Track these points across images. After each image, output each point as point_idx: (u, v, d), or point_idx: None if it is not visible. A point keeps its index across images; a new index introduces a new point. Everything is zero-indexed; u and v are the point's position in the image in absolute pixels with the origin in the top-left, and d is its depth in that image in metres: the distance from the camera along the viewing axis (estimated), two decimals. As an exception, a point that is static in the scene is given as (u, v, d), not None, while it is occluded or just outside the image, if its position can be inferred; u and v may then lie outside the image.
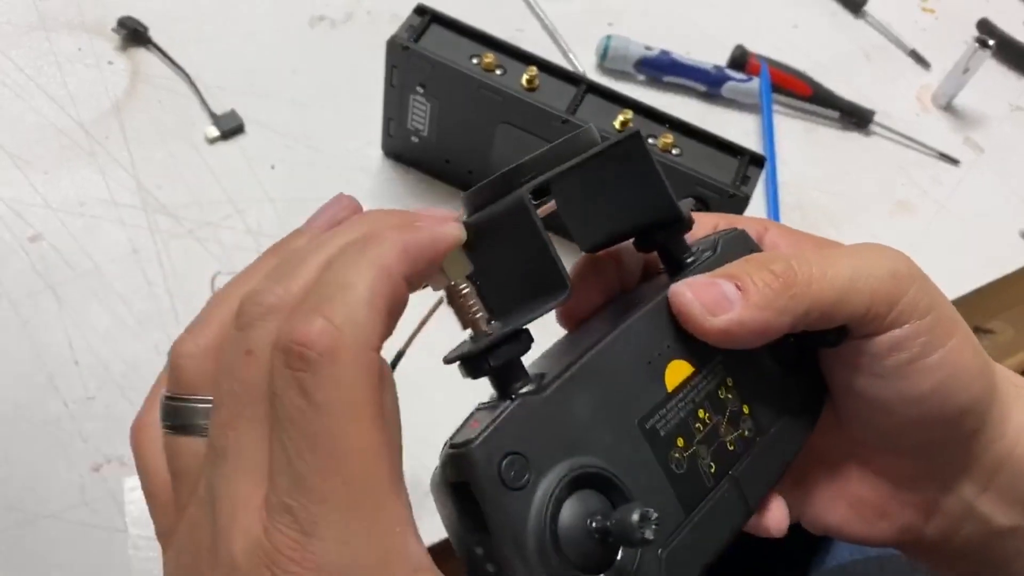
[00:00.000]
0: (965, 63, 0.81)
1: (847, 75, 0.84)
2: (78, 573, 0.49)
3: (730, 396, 0.31)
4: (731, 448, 0.30)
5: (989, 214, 0.78)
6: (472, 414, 0.27)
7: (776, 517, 0.33)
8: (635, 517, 0.24)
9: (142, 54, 0.70)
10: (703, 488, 0.29)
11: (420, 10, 0.61)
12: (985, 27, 0.91)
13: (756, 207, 0.62)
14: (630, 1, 0.85)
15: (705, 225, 0.35)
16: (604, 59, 0.78)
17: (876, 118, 0.81)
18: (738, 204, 0.58)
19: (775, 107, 0.80)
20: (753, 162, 0.59)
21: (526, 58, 0.61)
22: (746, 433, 0.31)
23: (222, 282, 0.59)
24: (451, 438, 0.26)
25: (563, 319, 0.33)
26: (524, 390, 0.27)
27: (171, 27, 0.71)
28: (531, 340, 0.27)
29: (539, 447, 0.26)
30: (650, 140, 0.59)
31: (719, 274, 0.30)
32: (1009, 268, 0.75)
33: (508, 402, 0.26)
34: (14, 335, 0.55)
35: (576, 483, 0.26)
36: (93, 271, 0.59)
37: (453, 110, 0.62)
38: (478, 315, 0.27)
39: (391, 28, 0.60)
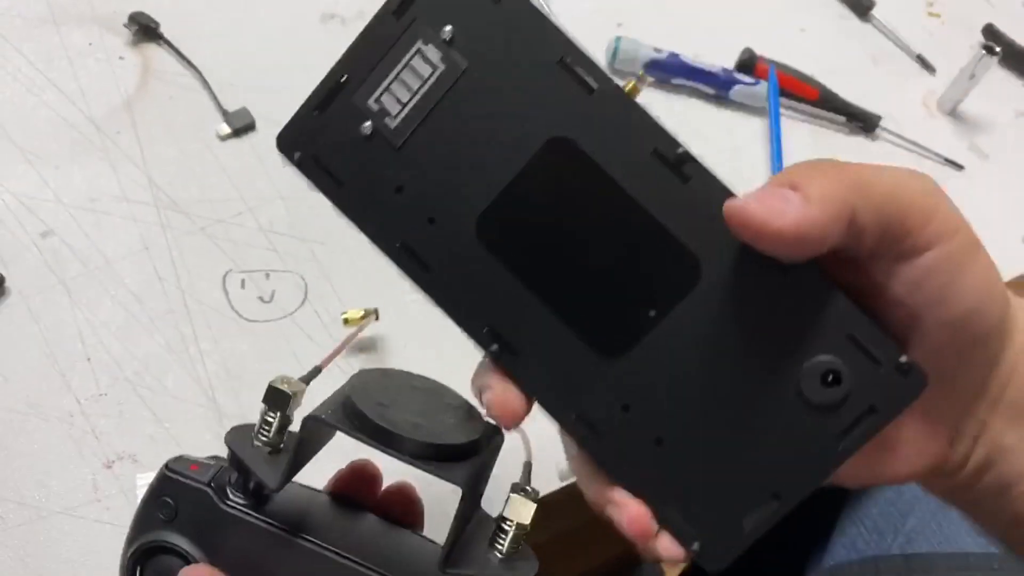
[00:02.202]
0: (971, 69, 0.82)
1: (854, 79, 0.85)
2: (90, 569, 0.49)
3: None
4: None
5: (993, 220, 0.78)
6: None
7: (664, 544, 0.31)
8: None
9: (153, 50, 0.70)
10: None
11: None
12: (990, 33, 0.92)
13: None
14: (640, 3, 0.85)
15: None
16: (614, 60, 0.78)
17: (882, 123, 0.81)
18: None
19: (782, 110, 0.80)
20: None
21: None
22: None
23: (234, 280, 0.59)
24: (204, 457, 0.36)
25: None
26: (233, 492, 0.34)
27: (182, 23, 0.71)
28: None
29: (188, 523, 0.34)
30: None
31: (774, 182, 0.29)
32: (1012, 274, 0.75)
33: (208, 487, 0.34)
34: (26, 331, 0.56)
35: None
36: (105, 267, 0.59)
37: None
38: (263, 439, 0.34)
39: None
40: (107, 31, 0.70)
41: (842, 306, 0.29)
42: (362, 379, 0.33)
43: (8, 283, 0.57)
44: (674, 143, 0.29)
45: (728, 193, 0.29)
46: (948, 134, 0.84)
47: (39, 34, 0.69)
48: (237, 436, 0.34)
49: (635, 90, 0.30)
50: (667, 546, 0.31)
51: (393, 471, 0.37)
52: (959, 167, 0.81)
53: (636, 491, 0.30)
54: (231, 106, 0.67)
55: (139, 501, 0.35)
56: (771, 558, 0.73)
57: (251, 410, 0.55)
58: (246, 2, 0.75)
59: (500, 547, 0.33)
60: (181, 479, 0.34)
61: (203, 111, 0.67)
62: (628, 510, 0.31)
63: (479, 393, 0.32)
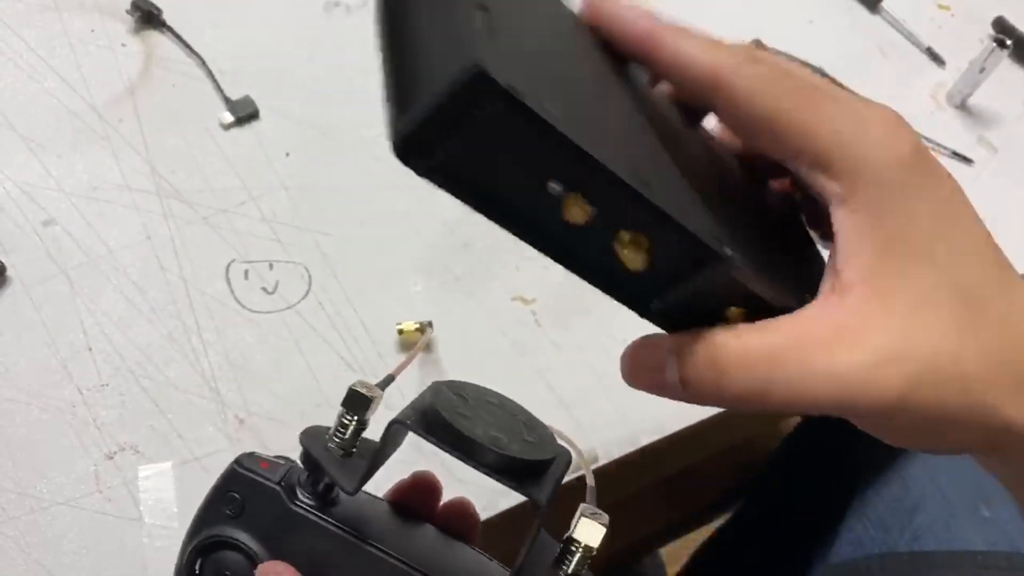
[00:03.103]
0: (981, 62, 0.81)
1: (862, 72, 0.84)
2: (92, 560, 0.49)
3: None
4: None
5: (1002, 214, 0.77)
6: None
7: None
8: None
9: (156, 37, 0.69)
10: None
11: None
12: (1000, 25, 0.91)
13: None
14: (646, -8, 0.84)
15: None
16: (620, 51, 0.77)
17: (891, 116, 0.81)
18: None
19: (790, 103, 0.79)
20: None
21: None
22: None
23: (237, 271, 0.59)
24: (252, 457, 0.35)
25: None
26: (302, 493, 0.33)
27: (185, 10, 0.71)
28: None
29: (255, 521, 0.33)
30: None
31: (664, 346, 0.28)
32: (1021, 268, 0.75)
33: (279, 486, 0.34)
34: (27, 320, 0.55)
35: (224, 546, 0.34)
36: (107, 256, 0.58)
37: None
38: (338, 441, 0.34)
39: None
40: (109, 17, 0.70)
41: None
42: (442, 390, 0.33)
43: (9, 272, 0.56)
44: None
45: None
46: (957, 127, 0.83)
47: (40, 20, 0.68)
48: (311, 437, 0.34)
49: None
50: None
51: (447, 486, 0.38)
52: (968, 161, 0.80)
53: None
54: (234, 94, 0.67)
55: (206, 494, 0.34)
56: (777, 554, 0.73)
57: (255, 401, 0.55)
58: (250, -11, 0.74)
59: (566, 569, 0.33)
60: (252, 476, 0.34)
61: (206, 99, 0.67)
62: None
63: None
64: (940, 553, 0.56)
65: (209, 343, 0.56)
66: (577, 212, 0.24)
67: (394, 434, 0.32)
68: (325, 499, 0.34)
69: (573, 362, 0.60)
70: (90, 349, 0.55)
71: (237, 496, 0.33)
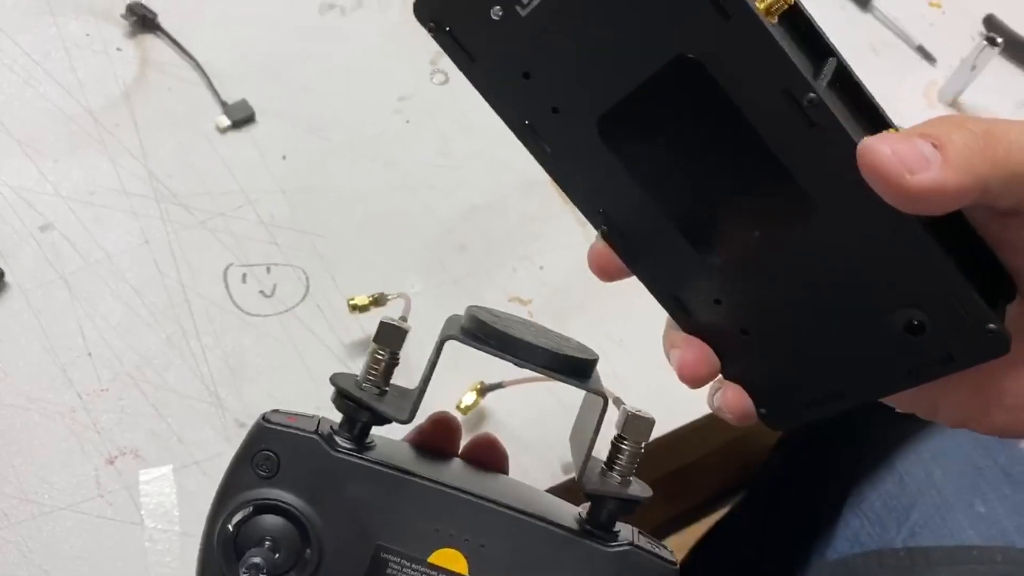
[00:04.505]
0: (973, 60, 0.81)
1: (854, 69, 0.84)
2: (94, 565, 0.49)
3: None
4: None
5: (994, 211, 0.78)
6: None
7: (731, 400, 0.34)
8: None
9: (151, 41, 0.69)
10: None
11: None
12: (991, 23, 0.91)
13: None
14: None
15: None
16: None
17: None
18: None
19: (783, 102, 0.79)
20: None
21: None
22: None
23: (235, 274, 0.59)
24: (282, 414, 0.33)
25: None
26: (340, 440, 0.32)
27: (180, 14, 0.71)
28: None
29: (295, 477, 0.31)
30: None
31: (915, 132, 0.28)
32: (1013, 266, 0.75)
33: (316, 435, 0.31)
34: (26, 325, 0.55)
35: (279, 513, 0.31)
36: (104, 261, 0.59)
37: None
38: (372, 379, 0.33)
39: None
40: (104, 22, 0.70)
41: (943, 267, 0.29)
42: (478, 309, 0.33)
43: (8, 277, 0.56)
44: (806, 86, 0.28)
45: (853, 146, 0.28)
46: (949, 125, 0.84)
47: (35, 25, 0.68)
48: (343, 379, 0.33)
49: (774, 7, 0.28)
50: (732, 399, 0.34)
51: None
52: (960, 158, 0.80)
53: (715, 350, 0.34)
54: (230, 98, 0.67)
55: (231, 466, 0.32)
56: (774, 550, 0.73)
57: (254, 405, 0.55)
58: (244, -8, 0.74)
59: (619, 467, 0.33)
60: (286, 429, 0.31)
61: (202, 103, 0.67)
62: (685, 356, 0.34)
63: (668, 351, 0.34)
64: (936, 549, 0.56)
65: (208, 347, 0.56)
66: None
67: (438, 352, 0.32)
68: (362, 444, 0.32)
69: (570, 362, 0.61)
70: (89, 354, 0.55)
71: (271, 454, 0.31)
